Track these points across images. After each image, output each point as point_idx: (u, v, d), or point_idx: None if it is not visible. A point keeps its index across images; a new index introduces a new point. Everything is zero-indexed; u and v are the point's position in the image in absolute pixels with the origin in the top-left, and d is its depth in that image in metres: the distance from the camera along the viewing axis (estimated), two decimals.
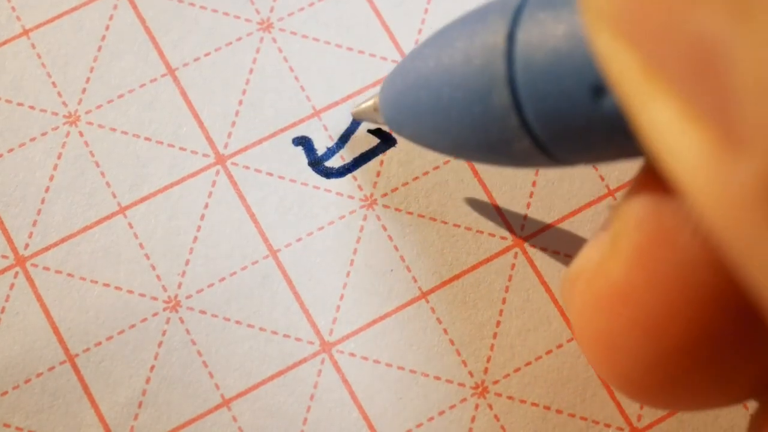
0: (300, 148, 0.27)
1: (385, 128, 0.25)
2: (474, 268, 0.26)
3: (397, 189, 0.26)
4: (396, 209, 0.26)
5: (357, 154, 0.26)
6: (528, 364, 0.25)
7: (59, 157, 0.26)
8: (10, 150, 0.26)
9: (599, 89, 0.16)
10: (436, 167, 0.26)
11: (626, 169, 0.26)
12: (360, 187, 0.26)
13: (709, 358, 0.15)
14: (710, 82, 0.11)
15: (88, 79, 0.27)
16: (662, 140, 0.12)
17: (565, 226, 0.26)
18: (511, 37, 0.18)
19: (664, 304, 0.15)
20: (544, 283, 0.26)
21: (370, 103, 0.25)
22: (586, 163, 0.19)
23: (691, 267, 0.15)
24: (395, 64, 0.25)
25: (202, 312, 0.25)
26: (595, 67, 0.16)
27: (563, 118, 0.17)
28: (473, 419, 0.25)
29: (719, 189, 0.11)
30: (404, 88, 0.22)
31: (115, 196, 0.26)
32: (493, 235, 0.26)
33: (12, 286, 0.25)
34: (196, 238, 0.26)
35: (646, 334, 0.16)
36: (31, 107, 0.26)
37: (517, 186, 0.26)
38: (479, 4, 0.20)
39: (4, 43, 0.27)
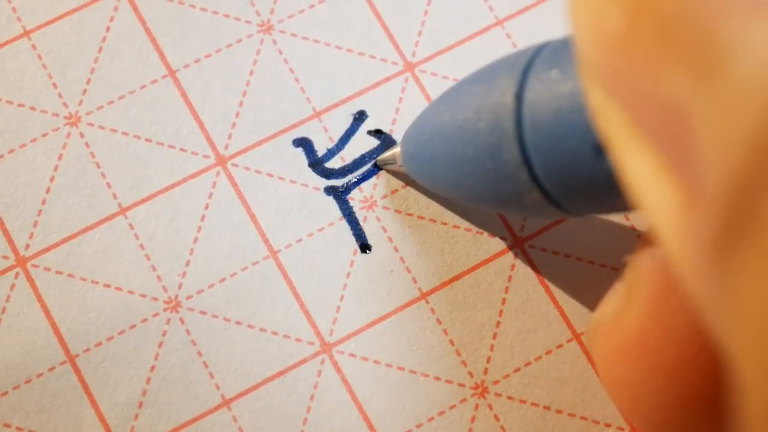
0: (300, 149, 0.27)
1: (400, 168, 0.25)
2: (474, 268, 0.26)
3: (396, 191, 0.26)
4: (396, 211, 0.26)
5: (357, 155, 0.27)
6: (528, 364, 0.25)
7: (60, 158, 0.26)
8: (11, 151, 0.26)
9: (601, 148, 0.17)
10: None
11: None
12: (360, 189, 0.26)
13: (725, 400, 0.16)
14: (677, 140, 0.12)
15: (88, 80, 0.27)
16: (641, 190, 0.13)
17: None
18: (518, 96, 0.19)
19: (679, 352, 0.16)
20: (544, 283, 0.26)
21: (393, 151, 0.26)
22: (597, 213, 0.20)
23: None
24: (398, 70, 0.25)
25: (203, 312, 0.25)
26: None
27: (570, 174, 0.18)
28: (473, 419, 0.25)
29: (683, 240, 0.12)
30: (421, 142, 0.23)
31: (115, 197, 0.26)
32: (493, 236, 0.26)
33: (13, 286, 0.25)
34: (196, 238, 0.26)
35: (664, 381, 0.16)
36: (32, 108, 0.26)
37: None
38: (492, 61, 0.21)
39: (5, 43, 0.27)
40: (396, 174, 0.26)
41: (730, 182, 0.11)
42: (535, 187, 0.19)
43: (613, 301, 0.18)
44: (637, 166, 0.13)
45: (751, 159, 0.11)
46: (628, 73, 0.12)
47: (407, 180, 0.26)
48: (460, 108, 0.21)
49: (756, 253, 0.11)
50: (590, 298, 0.25)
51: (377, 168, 0.26)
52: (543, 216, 0.21)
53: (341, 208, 0.26)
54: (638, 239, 0.17)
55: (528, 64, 0.19)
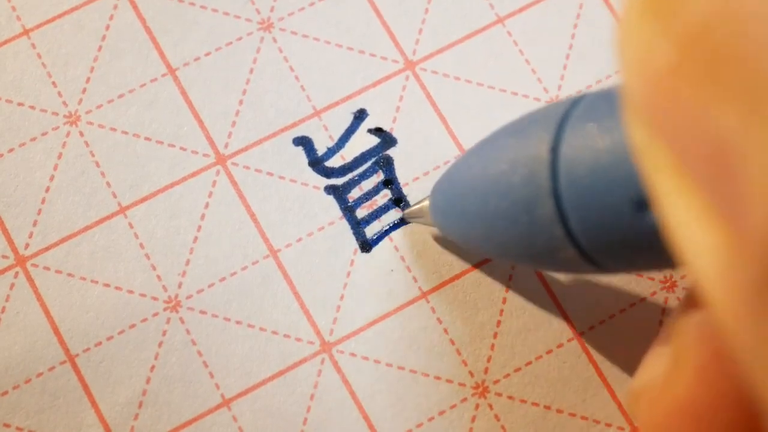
0: (300, 148, 0.26)
1: (428, 222, 0.25)
2: (474, 267, 0.26)
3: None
4: (396, 210, 0.26)
5: (357, 153, 0.26)
6: (528, 363, 0.25)
7: (59, 157, 0.26)
8: (11, 150, 0.26)
9: (641, 203, 0.16)
10: (436, 167, 0.26)
11: None
12: (361, 188, 0.26)
13: None
14: (724, 180, 0.11)
15: (88, 79, 0.27)
16: (684, 234, 0.13)
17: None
18: (554, 150, 0.18)
19: (733, 420, 0.15)
20: (543, 282, 0.25)
21: (420, 205, 0.25)
22: (632, 271, 0.19)
23: None
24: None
25: (203, 312, 0.25)
26: (637, 181, 0.16)
27: (607, 231, 0.17)
28: (473, 419, 0.25)
29: (725, 285, 0.12)
30: (452, 195, 0.22)
31: (115, 196, 0.26)
32: None
33: (12, 286, 0.25)
34: (196, 238, 0.26)
35: None
36: (32, 107, 0.26)
37: None
38: (523, 113, 0.20)
39: (5, 43, 0.27)
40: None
41: None
42: (570, 244, 0.18)
43: (657, 365, 0.17)
44: (681, 208, 0.13)
45: None
46: (676, 111, 0.12)
47: (434, 235, 0.26)
48: (494, 161, 0.20)
49: None
50: (592, 297, 0.25)
51: (377, 167, 0.26)
52: (576, 272, 0.20)
53: (341, 207, 0.26)
54: (682, 301, 0.17)
55: (564, 116, 0.18)
